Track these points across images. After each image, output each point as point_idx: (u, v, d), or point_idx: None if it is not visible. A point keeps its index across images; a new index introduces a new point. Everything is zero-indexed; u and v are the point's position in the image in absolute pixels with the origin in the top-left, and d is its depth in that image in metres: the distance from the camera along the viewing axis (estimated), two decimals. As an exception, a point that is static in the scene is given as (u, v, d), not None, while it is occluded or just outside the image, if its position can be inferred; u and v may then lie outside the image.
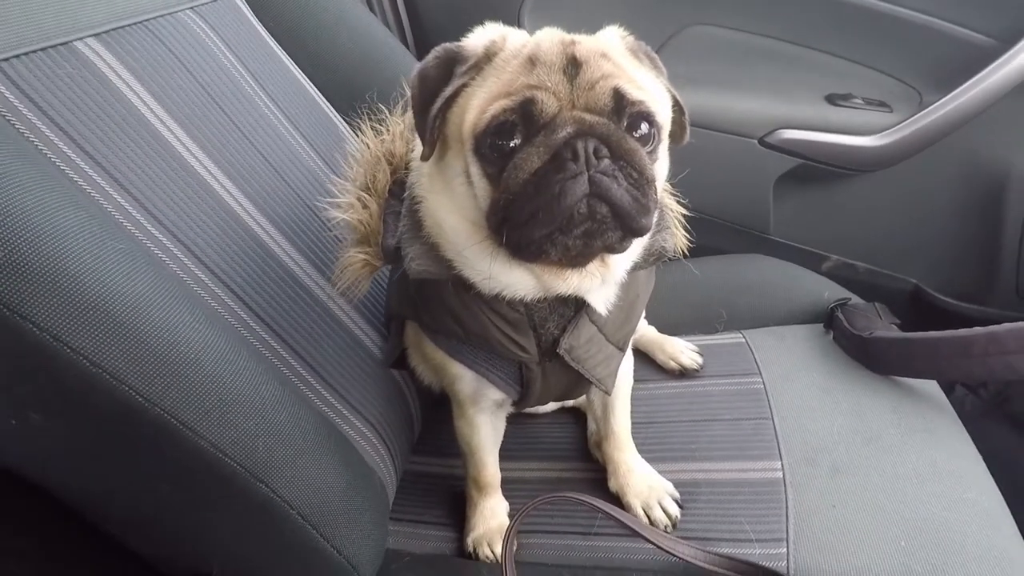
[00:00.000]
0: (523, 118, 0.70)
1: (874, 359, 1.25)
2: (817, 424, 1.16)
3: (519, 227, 0.70)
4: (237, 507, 0.78)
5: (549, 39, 0.74)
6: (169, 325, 0.68)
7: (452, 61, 0.75)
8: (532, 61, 0.72)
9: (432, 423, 1.31)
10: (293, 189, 1.09)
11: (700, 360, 1.34)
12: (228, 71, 1.09)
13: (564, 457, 1.23)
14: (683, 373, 1.34)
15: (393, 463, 1.15)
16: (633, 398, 1.14)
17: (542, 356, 0.89)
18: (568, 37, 0.75)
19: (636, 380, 1.17)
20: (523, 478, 1.19)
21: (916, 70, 1.55)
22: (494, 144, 0.71)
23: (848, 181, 1.66)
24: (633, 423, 1.14)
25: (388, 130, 0.95)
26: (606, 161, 0.69)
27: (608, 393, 0.96)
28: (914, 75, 1.56)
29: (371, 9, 1.71)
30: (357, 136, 0.96)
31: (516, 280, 0.80)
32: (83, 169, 0.80)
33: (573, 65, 0.71)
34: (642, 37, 0.83)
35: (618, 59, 0.75)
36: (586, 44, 0.74)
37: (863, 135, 1.54)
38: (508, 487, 1.13)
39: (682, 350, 1.35)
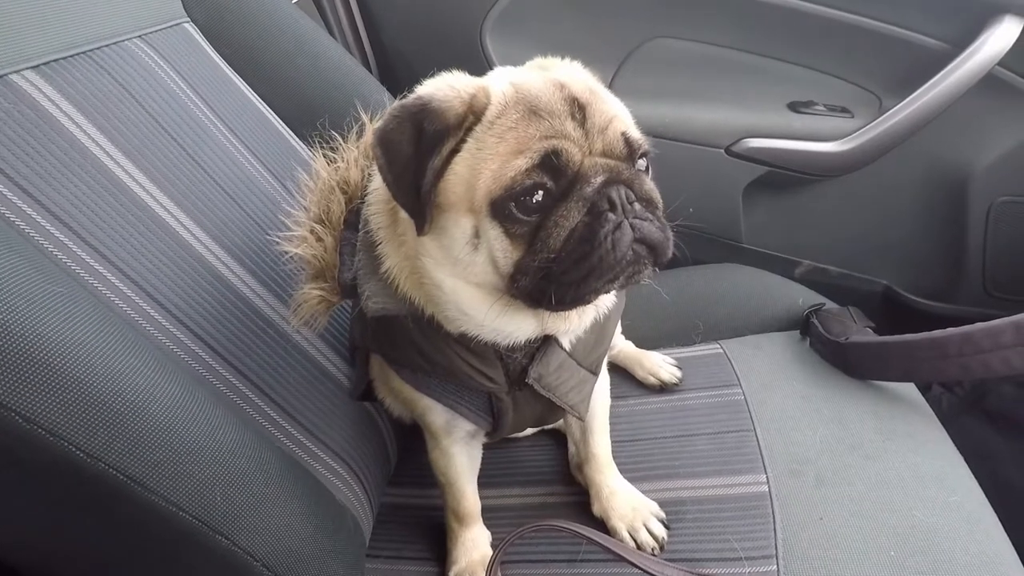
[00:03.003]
0: (548, 172, 0.67)
1: (852, 365, 1.24)
2: (800, 434, 1.15)
3: (568, 283, 0.68)
4: (198, 561, 0.73)
5: (538, 84, 0.71)
6: (113, 372, 0.64)
7: (417, 119, 0.70)
8: (534, 111, 0.69)
9: (408, 452, 1.26)
10: (251, 217, 1.06)
11: (679, 374, 1.32)
12: (180, 100, 1.05)
13: (546, 481, 1.19)
14: (663, 388, 1.32)
15: (368, 498, 1.10)
16: (613, 415, 1.11)
17: (511, 385, 0.86)
18: (553, 78, 0.73)
19: (615, 397, 1.14)
20: (504, 505, 1.15)
21: (875, 76, 1.57)
22: (520, 204, 0.68)
23: (815, 186, 1.68)
24: (614, 441, 1.12)
25: (342, 157, 0.92)
26: (637, 205, 0.69)
27: (582, 419, 0.93)
28: (873, 81, 1.58)
29: (331, 34, 1.69)
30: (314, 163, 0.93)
31: (518, 327, 0.79)
32: (20, 207, 0.76)
33: (578, 110, 0.70)
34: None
35: (603, 94, 0.74)
36: (574, 84, 0.72)
37: (826, 141, 1.55)
38: (489, 515, 1.10)
39: (661, 364, 1.33)
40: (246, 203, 1.06)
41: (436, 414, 0.92)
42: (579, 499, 1.13)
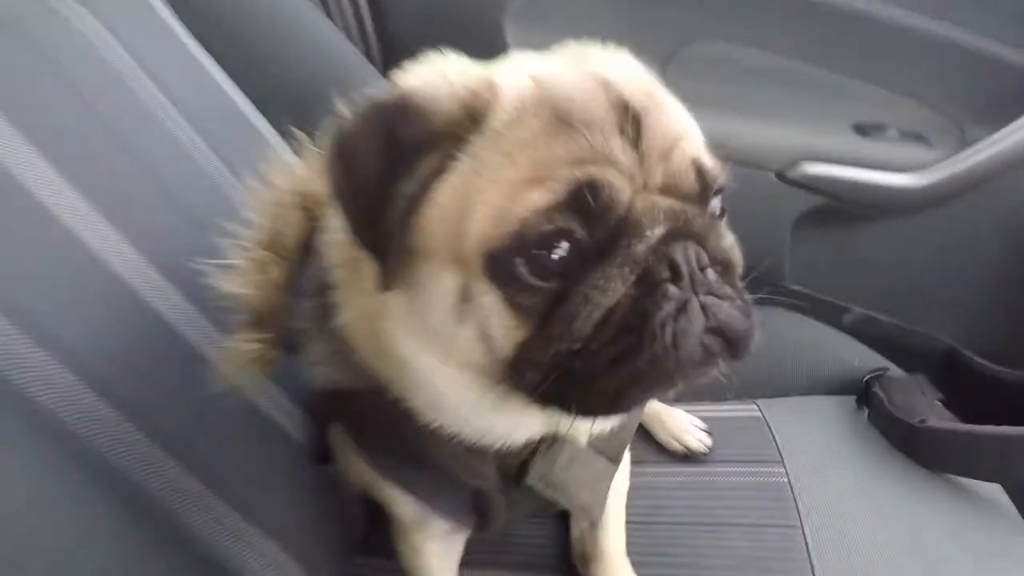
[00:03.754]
0: (580, 216, 0.46)
1: (926, 453, 1.02)
2: (858, 539, 0.93)
3: (600, 391, 0.48)
4: None
5: (572, 80, 0.49)
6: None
7: (390, 123, 0.48)
8: (563, 120, 0.47)
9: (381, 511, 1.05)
10: (198, 224, 0.84)
11: (709, 441, 1.10)
12: (117, 73, 0.84)
13: (542, 568, 0.98)
14: (688, 456, 1.09)
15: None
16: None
17: (506, 481, 0.65)
18: (594, 72, 0.51)
19: (631, 462, 0.93)
20: None
21: (957, 100, 1.35)
22: (532, 262, 0.47)
23: (876, 224, 1.45)
24: (627, 520, 0.90)
25: (308, 163, 0.70)
26: (711, 273, 0.49)
27: (596, 522, 0.71)
28: (954, 105, 1.35)
29: (329, 18, 1.47)
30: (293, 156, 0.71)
31: (517, 428, 0.58)
32: None
33: (630, 122, 0.48)
34: (642, 51, 0.60)
35: (665, 101, 0.52)
36: (625, 83, 0.50)
37: (898, 172, 1.32)
38: None
39: (687, 427, 1.11)
40: (192, 205, 0.85)
41: (405, 506, 0.71)
42: (581, 597, 0.92)
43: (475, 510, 0.69)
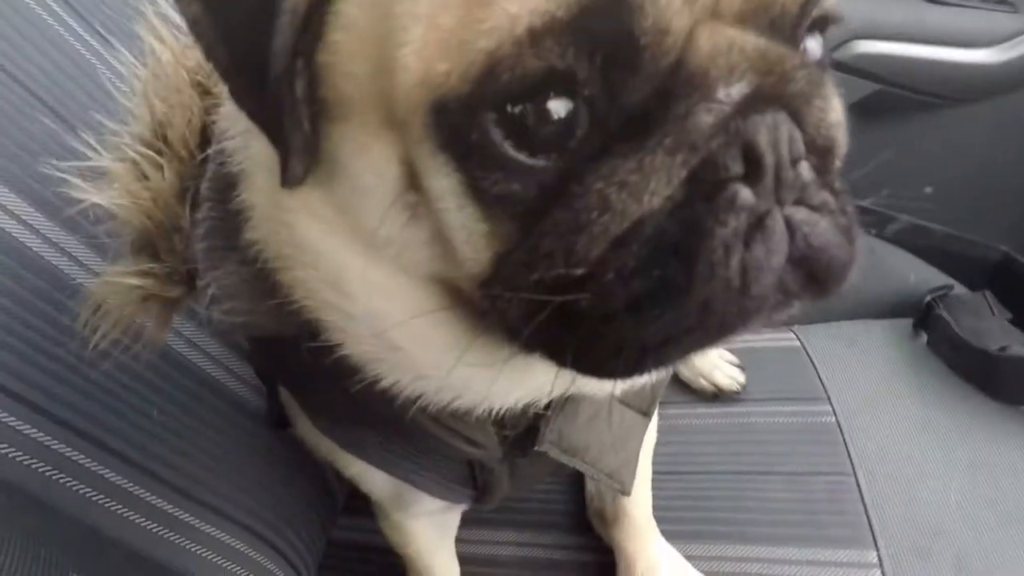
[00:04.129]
0: (595, 51, 0.28)
1: (1002, 384, 0.87)
2: (925, 487, 0.80)
3: (608, 333, 0.32)
4: None
5: None
6: None
7: None
8: None
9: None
10: (59, 116, 0.62)
11: (742, 378, 0.96)
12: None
13: (553, 526, 0.87)
14: (719, 395, 0.95)
15: (297, 556, 0.76)
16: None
17: (509, 450, 0.49)
18: None
19: None
20: (495, 557, 0.84)
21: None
22: (511, 121, 0.29)
23: (935, 115, 1.23)
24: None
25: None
26: (806, 168, 0.32)
27: (626, 493, 0.57)
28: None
29: None
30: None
31: (512, 386, 0.41)
32: None
33: None
34: None
35: None
36: None
37: (974, 47, 1.09)
38: (473, 570, 0.80)
39: (715, 362, 0.97)
40: (50, 92, 0.63)
41: (376, 486, 0.56)
42: (599, 559, 0.81)
43: (471, 482, 0.54)
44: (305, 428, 0.62)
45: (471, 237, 0.32)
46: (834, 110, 0.34)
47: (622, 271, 0.30)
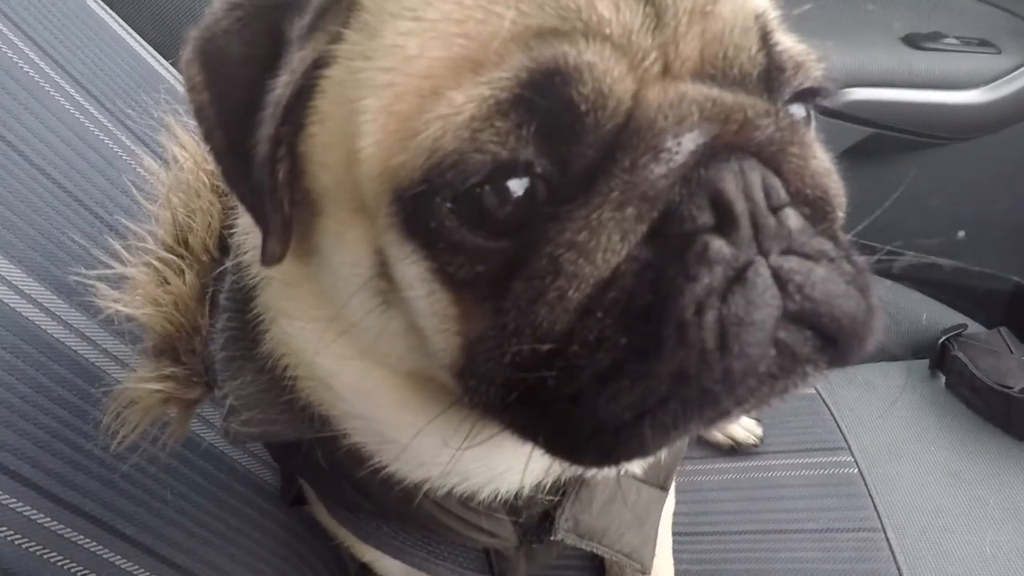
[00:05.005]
0: (540, 126, 0.28)
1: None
2: (957, 541, 0.77)
3: (579, 411, 0.29)
4: None
5: None
6: None
7: (276, 11, 0.32)
8: None
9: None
10: (81, 203, 0.65)
11: (759, 431, 0.93)
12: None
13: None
14: (736, 448, 0.93)
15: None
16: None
17: (524, 537, 0.48)
18: None
19: None
20: None
21: (1029, -6, 1.12)
22: (467, 204, 0.29)
23: (931, 154, 1.24)
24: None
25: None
26: (793, 216, 0.29)
27: (647, 572, 0.55)
28: (1026, 1, 1.12)
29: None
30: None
31: (508, 471, 0.41)
32: None
33: None
34: None
35: None
36: None
37: (962, 89, 1.11)
38: None
39: (732, 416, 0.94)
40: (77, 185, 0.65)
41: (394, 571, 0.55)
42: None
43: (486, 569, 0.53)
44: (322, 513, 0.62)
45: (442, 324, 0.32)
46: (816, 158, 0.32)
47: (587, 342, 0.28)
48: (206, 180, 0.50)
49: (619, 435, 0.29)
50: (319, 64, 0.32)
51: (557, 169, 0.29)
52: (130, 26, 0.83)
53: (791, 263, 0.28)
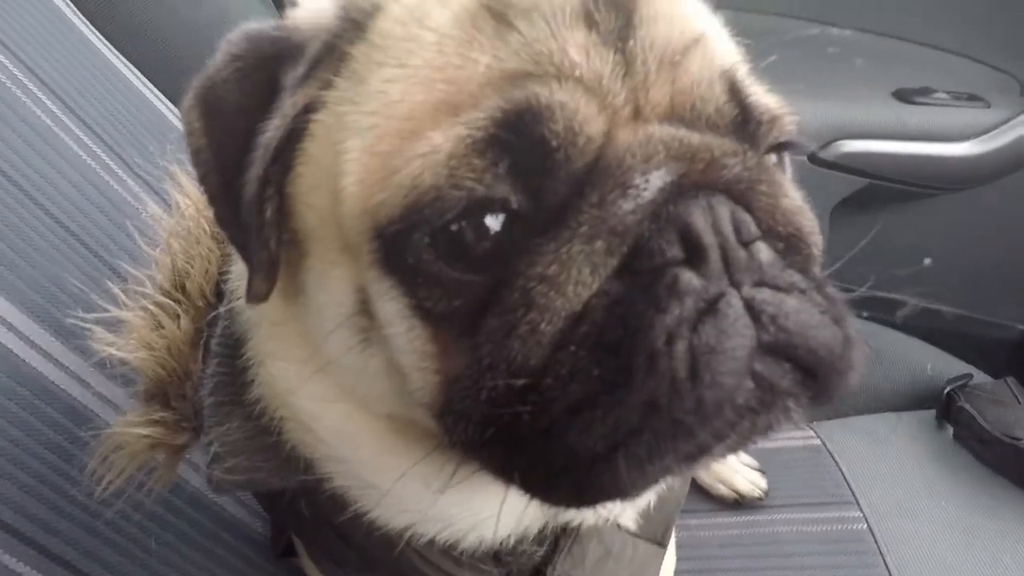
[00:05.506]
0: (516, 164, 0.29)
1: (1040, 480, 0.82)
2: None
3: (553, 447, 0.29)
4: None
5: None
6: None
7: (273, 62, 0.34)
8: (494, 10, 0.31)
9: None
10: (85, 244, 0.66)
11: (763, 484, 0.91)
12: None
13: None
14: (740, 501, 0.90)
15: None
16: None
17: None
18: None
19: None
20: None
21: (1013, 51, 1.16)
22: (444, 241, 0.30)
23: (928, 204, 1.26)
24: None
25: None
26: (765, 250, 0.30)
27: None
28: (1011, 58, 1.16)
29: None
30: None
31: (493, 513, 0.39)
32: None
33: (609, 10, 0.31)
34: None
35: None
36: None
37: (953, 141, 1.13)
38: None
39: (735, 468, 0.93)
40: (82, 227, 0.67)
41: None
42: None
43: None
44: (310, 567, 0.60)
45: (421, 362, 0.32)
46: (787, 196, 0.33)
47: (560, 375, 0.28)
48: (206, 227, 0.51)
49: (593, 469, 0.29)
50: (309, 109, 0.33)
51: (532, 205, 0.30)
52: (142, 73, 0.87)
53: (764, 295, 0.29)
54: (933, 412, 0.97)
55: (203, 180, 0.35)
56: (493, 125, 0.29)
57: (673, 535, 0.65)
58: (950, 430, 0.95)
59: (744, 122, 0.33)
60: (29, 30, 0.74)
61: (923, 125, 1.15)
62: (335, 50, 0.33)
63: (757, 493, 0.90)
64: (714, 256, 0.28)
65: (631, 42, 0.31)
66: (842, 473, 0.91)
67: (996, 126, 1.12)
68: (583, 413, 0.28)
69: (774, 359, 0.29)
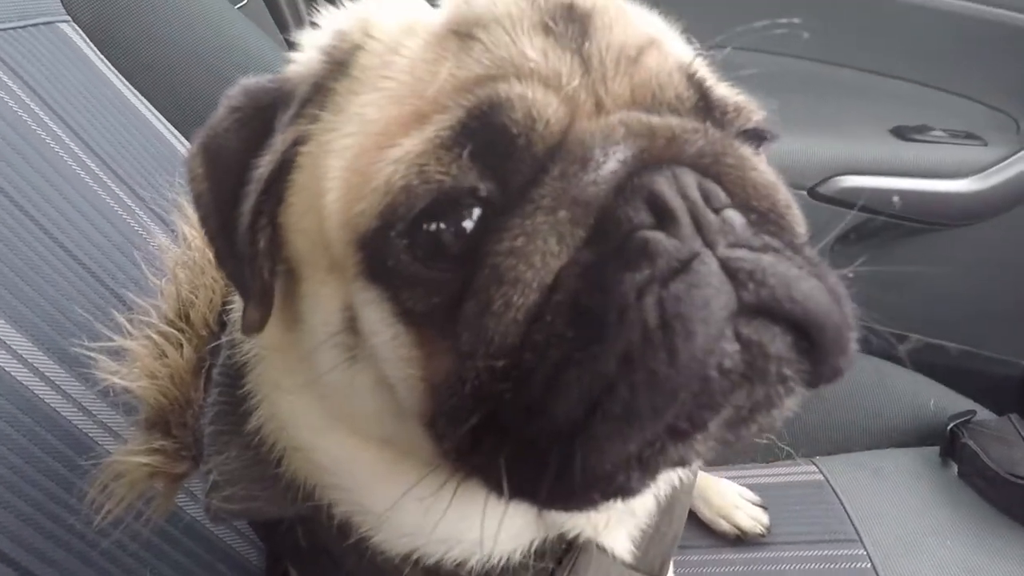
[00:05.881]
0: (484, 154, 0.31)
1: (1046, 519, 0.81)
2: (982, 647, 0.71)
3: (535, 429, 0.29)
4: None
5: None
6: None
7: (270, 111, 0.36)
8: (457, 27, 0.34)
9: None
10: (102, 282, 0.67)
11: (765, 520, 0.90)
12: (10, 113, 0.70)
13: None
14: (742, 537, 0.89)
15: None
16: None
17: None
18: None
19: None
20: None
21: (1011, 90, 1.18)
22: (423, 242, 0.31)
23: (927, 239, 1.27)
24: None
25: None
26: (737, 217, 0.29)
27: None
28: (1009, 97, 1.18)
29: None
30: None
31: (495, 530, 0.39)
32: None
33: (567, 21, 0.33)
34: None
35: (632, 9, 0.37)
36: None
37: (950, 178, 1.15)
38: None
39: (736, 503, 0.91)
40: (92, 258, 0.68)
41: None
42: None
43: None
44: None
45: (407, 369, 0.32)
46: (755, 169, 0.32)
47: (537, 345, 0.28)
48: (211, 258, 0.52)
49: (573, 444, 0.27)
50: (298, 142, 0.36)
51: (499, 191, 0.31)
52: (153, 105, 0.90)
53: (739, 253, 0.28)
54: (937, 449, 0.96)
55: (203, 222, 0.37)
56: (458, 123, 0.31)
57: (672, 570, 0.65)
58: (954, 467, 0.94)
59: (707, 108, 0.34)
60: (43, 63, 0.77)
61: (920, 162, 1.16)
62: (322, 89, 0.36)
63: (759, 529, 0.89)
64: (684, 219, 0.29)
65: (587, 44, 0.33)
66: (845, 510, 0.90)
67: (993, 164, 1.14)
68: (560, 377, 0.28)
69: (762, 322, 0.28)
